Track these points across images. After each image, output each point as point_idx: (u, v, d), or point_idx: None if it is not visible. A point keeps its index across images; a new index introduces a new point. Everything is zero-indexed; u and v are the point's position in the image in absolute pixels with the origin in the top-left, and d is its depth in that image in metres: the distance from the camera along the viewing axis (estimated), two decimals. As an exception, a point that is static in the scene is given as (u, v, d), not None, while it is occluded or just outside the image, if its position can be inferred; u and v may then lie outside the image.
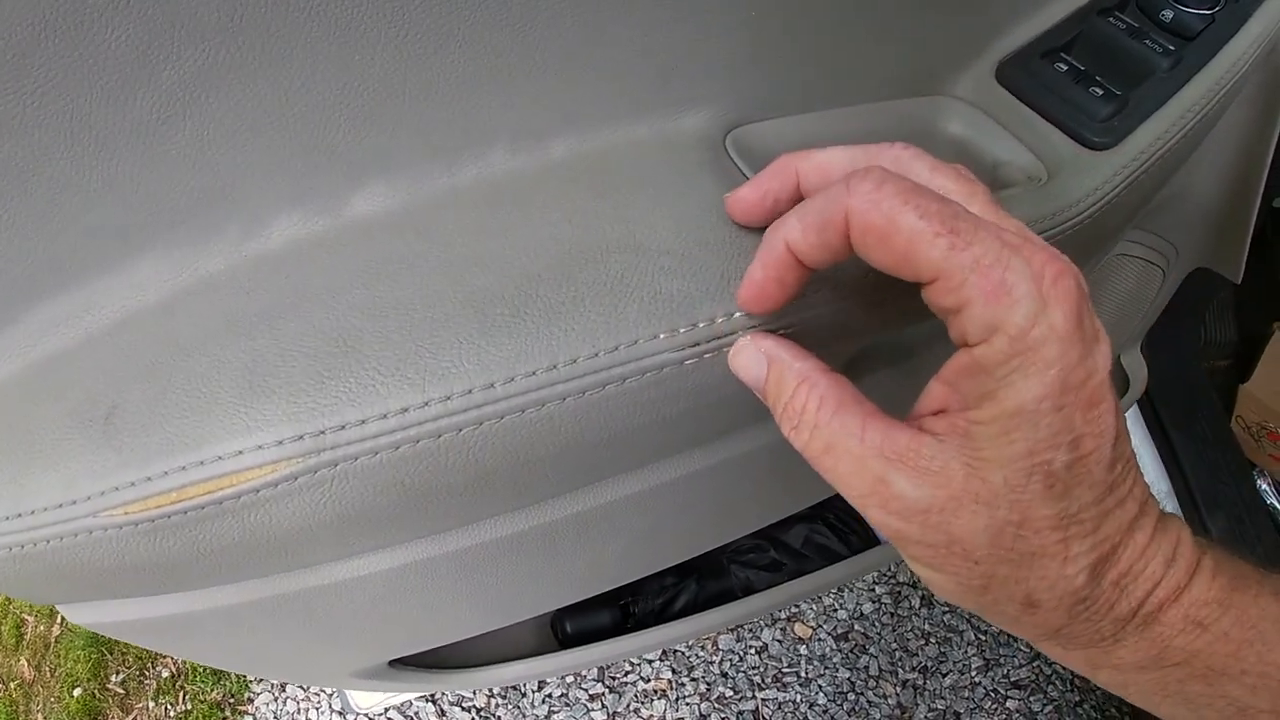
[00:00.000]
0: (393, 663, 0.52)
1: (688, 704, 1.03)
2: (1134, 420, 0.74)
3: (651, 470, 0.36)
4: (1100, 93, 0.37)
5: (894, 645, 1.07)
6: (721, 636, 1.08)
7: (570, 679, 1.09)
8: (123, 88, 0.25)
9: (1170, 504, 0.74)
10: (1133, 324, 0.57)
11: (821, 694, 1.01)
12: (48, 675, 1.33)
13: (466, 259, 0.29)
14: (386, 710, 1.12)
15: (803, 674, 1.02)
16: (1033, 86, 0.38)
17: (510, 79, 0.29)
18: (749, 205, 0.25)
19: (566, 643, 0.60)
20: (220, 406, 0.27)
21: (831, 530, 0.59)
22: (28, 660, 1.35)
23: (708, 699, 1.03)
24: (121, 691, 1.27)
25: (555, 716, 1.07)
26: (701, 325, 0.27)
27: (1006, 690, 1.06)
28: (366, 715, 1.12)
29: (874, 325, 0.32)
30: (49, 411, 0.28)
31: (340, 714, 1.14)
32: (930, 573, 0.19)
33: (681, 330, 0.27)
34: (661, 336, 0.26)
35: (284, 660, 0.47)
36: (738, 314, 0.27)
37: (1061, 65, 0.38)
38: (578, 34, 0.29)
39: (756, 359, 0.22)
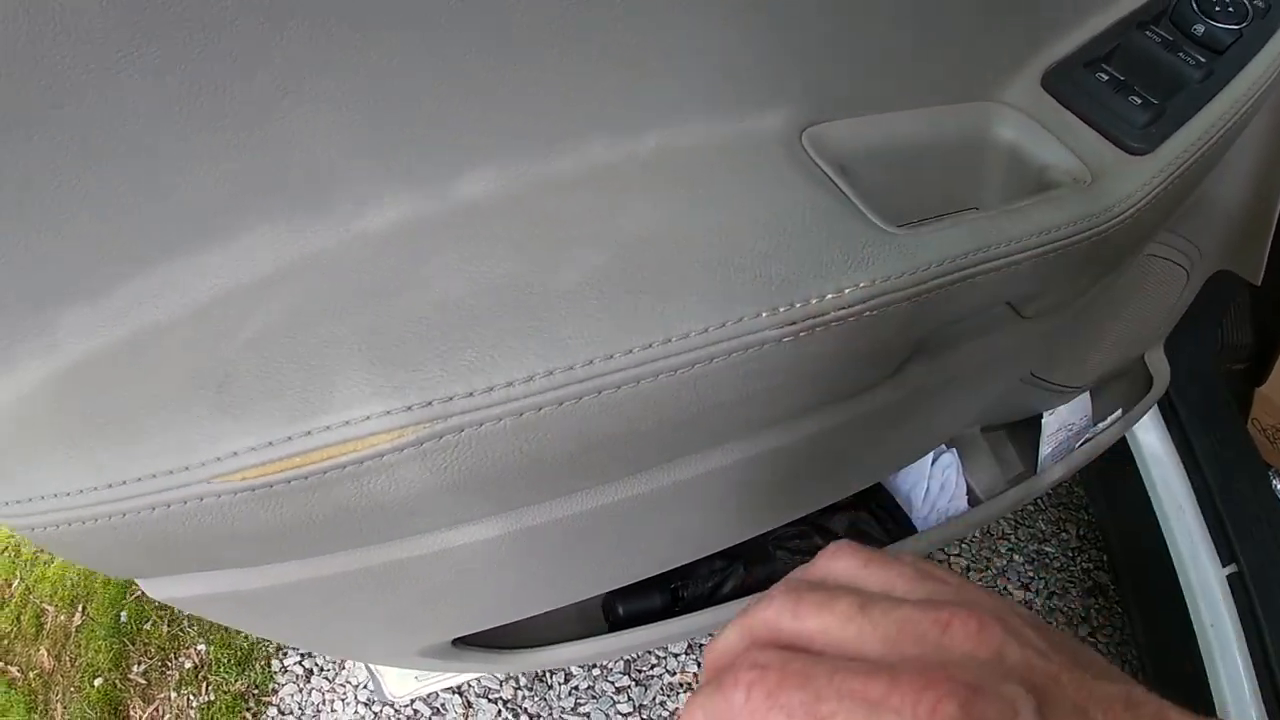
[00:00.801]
0: (455, 642, 0.53)
1: (710, 698, 1.05)
2: (1154, 420, 0.77)
3: (730, 448, 0.39)
4: (1139, 101, 0.40)
5: (911, 644, 1.09)
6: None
7: (596, 671, 1.11)
8: (248, 59, 0.25)
9: (1189, 505, 0.76)
10: (1157, 323, 0.60)
11: (842, 689, 1.03)
12: (68, 665, 1.34)
13: (576, 240, 0.31)
14: (413, 701, 1.14)
15: (824, 669, 1.04)
16: (1076, 94, 0.41)
17: (612, 75, 0.31)
18: None
19: (616, 625, 0.62)
20: (343, 374, 0.28)
21: (875, 518, 0.61)
22: (47, 650, 1.36)
23: (730, 693, 1.05)
24: (143, 682, 1.28)
25: (582, 708, 1.08)
26: (798, 305, 0.29)
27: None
28: (393, 705, 1.13)
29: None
30: (156, 380, 0.29)
31: (366, 705, 1.16)
32: None
33: (781, 309, 0.29)
34: (764, 315, 0.29)
35: (355, 635, 0.48)
36: (830, 295, 0.30)
37: (1102, 75, 0.41)
38: (673, 36, 0.32)
39: None
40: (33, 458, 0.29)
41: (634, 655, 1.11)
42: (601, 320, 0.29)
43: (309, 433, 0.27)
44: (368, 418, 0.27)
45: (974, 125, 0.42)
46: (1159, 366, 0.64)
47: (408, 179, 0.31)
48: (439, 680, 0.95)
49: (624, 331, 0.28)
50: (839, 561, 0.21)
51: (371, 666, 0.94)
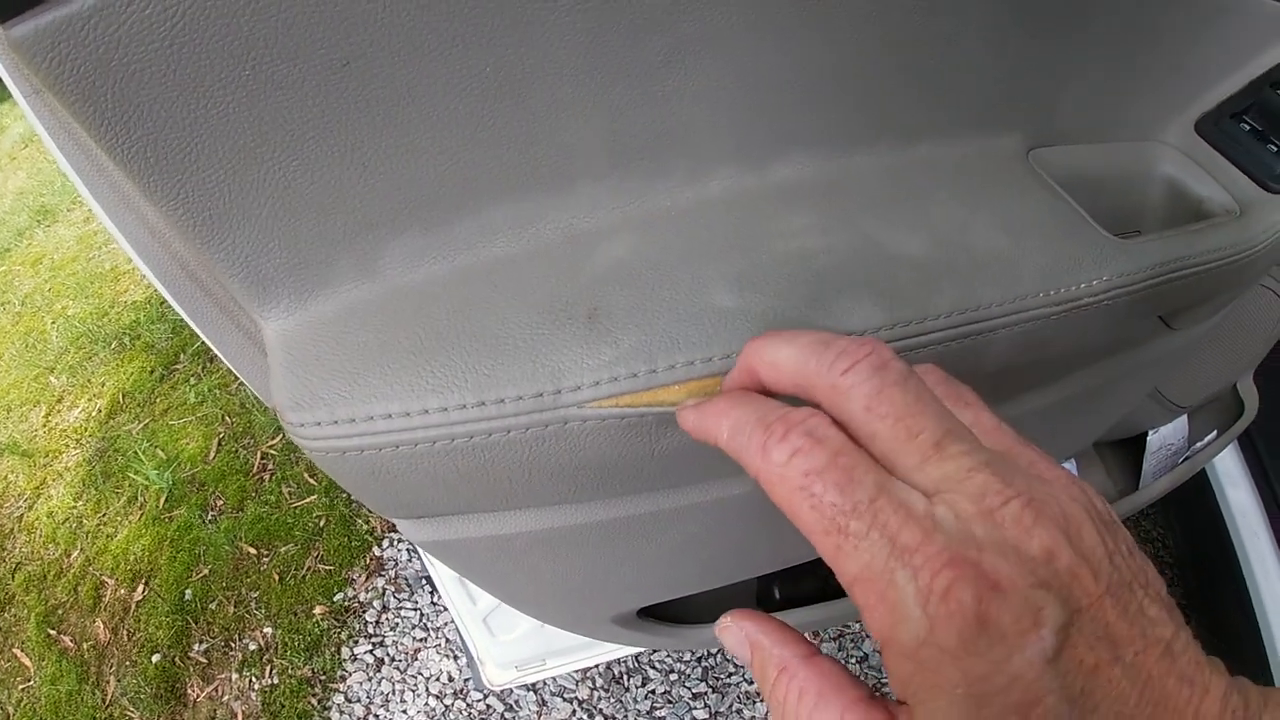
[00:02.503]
0: (640, 613, 0.54)
1: (790, 708, 1.07)
2: (1232, 450, 0.86)
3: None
4: (1274, 149, 0.52)
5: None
6: (823, 644, 1.13)
7: (674, 677, 1.13)
8: (643, 28, 0.26)
9: (1264, 533, 0.84)
10: (1255, 350, 0.70)
11: (920, 707, 1.06)
12: (125, 639, 1.32)
13: (892, 223, 0.35)
14: (486, 696, 1.14)
15: (902, 686, 1.07)
16: (1223, 139, 0.51)
17: (905, 89, 0.37)
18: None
19: (769, 608, 0.65)
20: (715, 314, 0.28)
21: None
22: (104, 622, 1.35)
23: (809, 704, 1.07)
24: (204, 661, 1.26)
25: (658, 712, 1.09)
26: (1063, 290, 0.35)
27: None
28: (465, 699, 1.14)
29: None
30: (510, 307, 0.29)
31: (437, 697, 1.16)
32: None
33: (1051, 292, 0.35)
34: (1040, 295, 0.34)
35: (569, 596, 0.49)
36: (1083, 284, 0.35)
37: (1244, 125, 0.52)
38: (954, 58, 0.38)
39: (740, 641, 0.20)
40: (359, 376, 0.27)
41: (713, 663, 1.14)
42: (941, 286, 0.32)
43: (692, 363, 0.27)
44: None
45: (1144, 161, 0.52)
46: (1249, 392, 0.75)
47: (736, 155, 0.33)
48: (537, 672, 0.96)
49: (967, 297, 0.32)
50: (934, 374, 0.20)
51: (472, 654, 0.95)
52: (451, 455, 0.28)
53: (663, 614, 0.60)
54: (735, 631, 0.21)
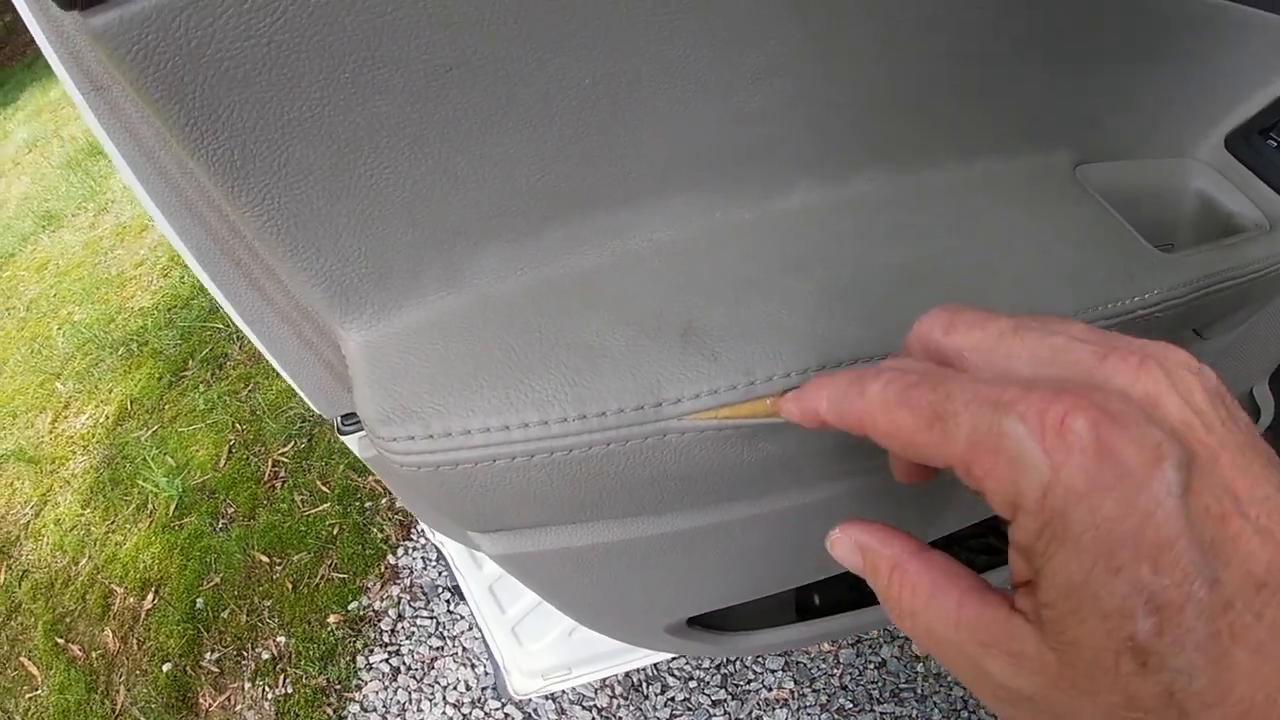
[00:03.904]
0: (689, 622, 0.54)
1: (808, 713, 1.07)
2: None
3: None
4: None
5: (993, 679, 1.13)
6: (842, 650, 1.14)
7: (693, 684, 1.13)
8: (738, 44, 0.26)
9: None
10: (1270, 357, 0.72)
11: (936, 710, 1.06)
12: (134, 648, 1.31)
13: (964, 235, 0.37)
14: (505, 704, 1.14)
15: (919, 690, 1.08)
16: (1252, 155, 0.53)
17: (965, 112, 0.39)
18: None
19: (806, 614, 0.65)
20: (809, 325, 0.28)
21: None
22: (113, 631, 1.33)
23: (828, 710, 1.07)
24: (216, 670, 1.25)
25: (677, 719, 1.10)
26: (1116, 304, 0.36)
27: None
28: (483, 708, 1.13)
29: None
30: (602, 320, 0.28)
31: (455, 706, 1.15)
32: None
33: (1107, 305, 0.36)
34: (1099, 308, 0.36)
35: (629, 607, 0.50)
36: (1135, 298, 0.37)
37: (1272, 141, 0.55)
38: (1008, 83, 0.40)
39: (851, 549, 0.21)
40: (453, 389, 0.27)
41: (731, 670, 1.14)
42: (1020, 296, 0.32)
43: (789, 375, 0.27)
44: (841, 363, 0.28)
45: (1177, 176, 0.54)
46: (1265, 398, 0.76)
47: (814, 169, 0.33)
48: (563, 680, 0.95)
49: (1020, 306, 0.33)
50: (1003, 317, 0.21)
51: (498, 663, 0.94)
52: (548, 468, 0.28)
53: (706, 623, 0.61)
54: (845, 540, 0.21)
